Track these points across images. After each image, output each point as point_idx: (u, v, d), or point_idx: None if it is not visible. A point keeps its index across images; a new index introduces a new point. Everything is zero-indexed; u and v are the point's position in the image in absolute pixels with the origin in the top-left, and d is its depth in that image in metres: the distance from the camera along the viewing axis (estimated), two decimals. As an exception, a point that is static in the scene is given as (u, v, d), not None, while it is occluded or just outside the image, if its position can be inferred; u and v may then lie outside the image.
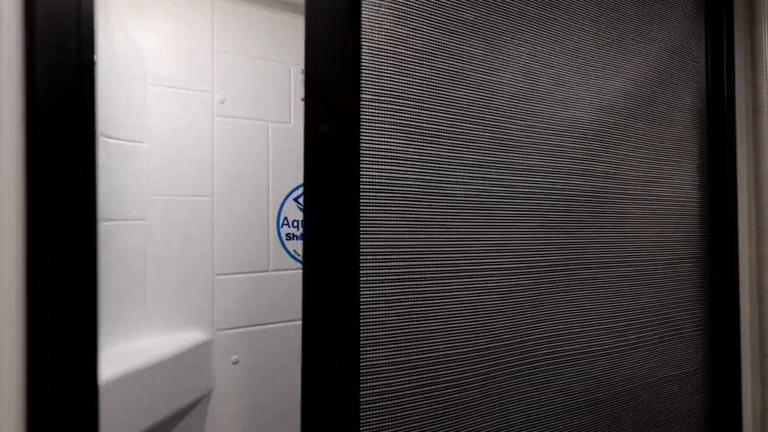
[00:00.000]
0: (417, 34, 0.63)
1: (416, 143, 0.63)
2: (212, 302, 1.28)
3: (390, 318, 0.61)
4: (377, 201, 0.60)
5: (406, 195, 0.62)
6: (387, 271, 0.60)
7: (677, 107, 0.95)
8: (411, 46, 0.62)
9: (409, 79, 0.62)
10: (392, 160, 0.61)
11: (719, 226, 0.99)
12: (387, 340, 0.60)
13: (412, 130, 0.62)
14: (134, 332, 1.18)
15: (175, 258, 1.24)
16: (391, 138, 0.60)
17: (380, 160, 0.60)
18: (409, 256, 0.62)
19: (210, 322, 1.28)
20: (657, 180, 0.92)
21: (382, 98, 0.60)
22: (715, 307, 1.01)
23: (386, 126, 0.60)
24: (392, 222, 0.61)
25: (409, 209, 0.62)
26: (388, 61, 0.60)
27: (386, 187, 0.60)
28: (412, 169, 0.62)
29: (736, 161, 0.98)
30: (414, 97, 0.62)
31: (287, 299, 1.39)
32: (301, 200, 1.38)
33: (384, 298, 0.60)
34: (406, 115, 0.62)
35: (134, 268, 1.18)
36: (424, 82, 0.63)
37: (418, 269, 0.63)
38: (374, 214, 0.59)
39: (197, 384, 1.24)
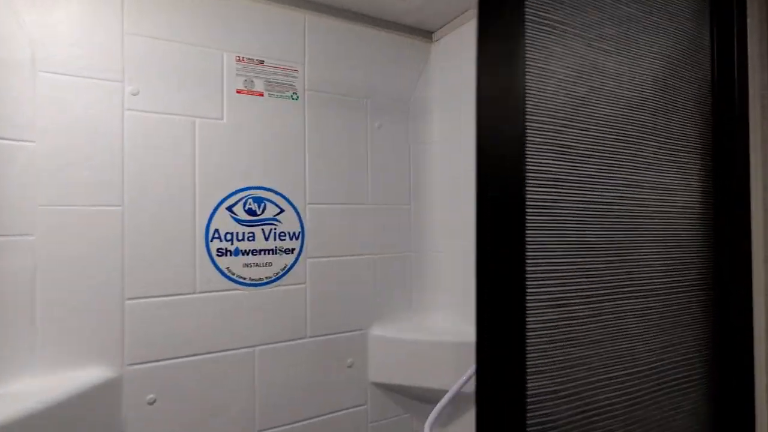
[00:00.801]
0: (570, 51, 0.63)
1: (572, 164, 0.63)
2: (121, 332, 1.08)
3: (549, 345, 0.61)
4: (540, 225, 0.60)
5: (564, 218, 0.62)
6: (547, 296, 0.61)
7: (675, 98, 0.75)
8: (565, 64, 0.63)
9: (564, 98, 0.62)
10: (552, 183, 0.61)
11: (729, 242, 0.80)
12: (547, 368, 0.61)
13: (568, 150, 0.63)
14: (18, 373, 0.97)
15: (73, 280, 1.03)
16: (551, 159, 0.61)
17: (542, 182, 0.60)
18: (566, 280, 0.63)
19: (118, 355, 1.07)
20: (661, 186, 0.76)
21: (543, 118, 0.60)
22: (722, 345, 0.81)
23: (546, 147, 0.60)
24: (552, 246, 0.61)
25: (567, 232, 0.63)
26: (547, 80, 0.61)
27: (548, 211, 0.61)
28: (569, 191, 0.63)
29: (749, 165, 0.77)
30: (569, 116, 0.63)
31: (218, 325, 1.19)
32: (236, 209, 1.18)
33: (544, 325, 0.61)
34: (564, 136, 0.62)
35: (18, 294, 0.98)
36: (576, 100, 0.64)
37: (573, 293, 0.63)
38: (537, 238, 0.60)
39: (101, 431, 1.03)
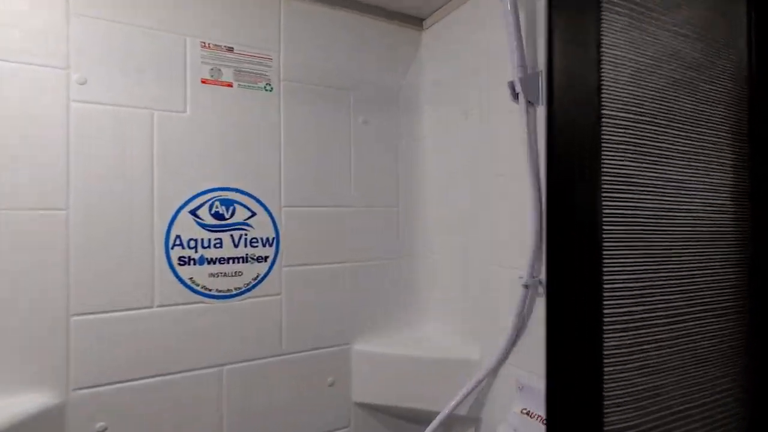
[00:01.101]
0: (649, 37, 0.57)
1: (650, 165, 0.57)
2: (65, 352, 0.95)
3: (628, 373, 0.54)
4: (617, 235, 0.53)
5: (643, 227, 0.56)
6: (626, 317, 0.54)
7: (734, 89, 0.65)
8: (644, 52, 0.56)
9: (641, 89, 0.56)
10: (630, 186, 0.54)
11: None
12: (627, 399, 0.54)
13: (645, 150, 0.56)
14: (-60, 400, 0.85)
15: (10, 295, 0.91)
16: (627, 160, 0.54)
17: (619, 186, 0.53)
18: (645, 298, 0.56)
19: (62, 379, 0.95)
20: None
21: (618, 113, 0.53)
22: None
23: (622, 146, 0.54)
24: (631, 259, 0.54)
25: (647, 243, 0.56)
26: (624, 70, 0.54)
27: (625, 219, 0.54)
28: (648, 196, 0.57)
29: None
30: (646, 110, 0.57)
31: (180, 342, 1.06)
32: (200, 213, 1.05)
33: (622, 351, 0.54)
34: (640, 133, 0.56)
35: (-60, 311, 0.85)
36: (653, 92, 0.57)
37: (653, 312, 0.57)
38: (614, 251, 0.53)
39: (40, 465, 0.91)
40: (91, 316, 0.98)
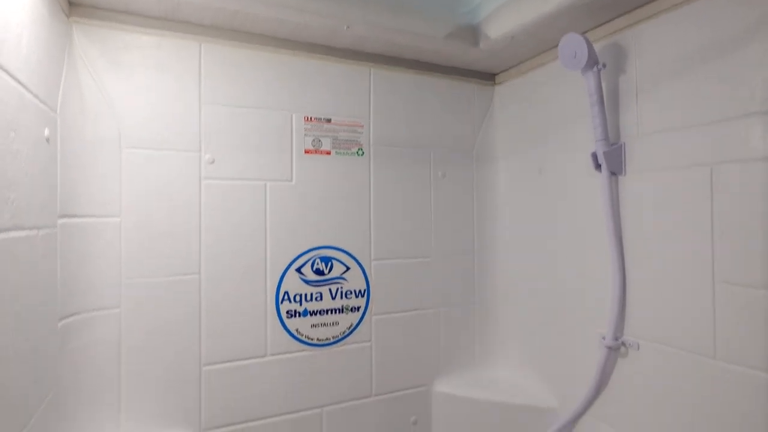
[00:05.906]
0: None
1: None
2: (199, 398, 1.10)
3: None
4: None
5: None
6: None
7: None
8: None
9: None
10: None
11: None
12: None
13: None
14: (105, 440, 1.01)
15: (156, 350, 1.06)
16: None
17: None
18: None
19: (196, 421, 1.09)
20: None
21: None
22: None
23: None
24: None
25: None
26: None
27: None
28: None
29: None
30: None
31: (288, 387, 1.19)
32: (304, 270, 1.18)
33: None
34: None
35: (105, 366, 1.01)
36: None
37: None
38: None
39: (180, 496, 1.06)
40: (218, 366, 1.12)
